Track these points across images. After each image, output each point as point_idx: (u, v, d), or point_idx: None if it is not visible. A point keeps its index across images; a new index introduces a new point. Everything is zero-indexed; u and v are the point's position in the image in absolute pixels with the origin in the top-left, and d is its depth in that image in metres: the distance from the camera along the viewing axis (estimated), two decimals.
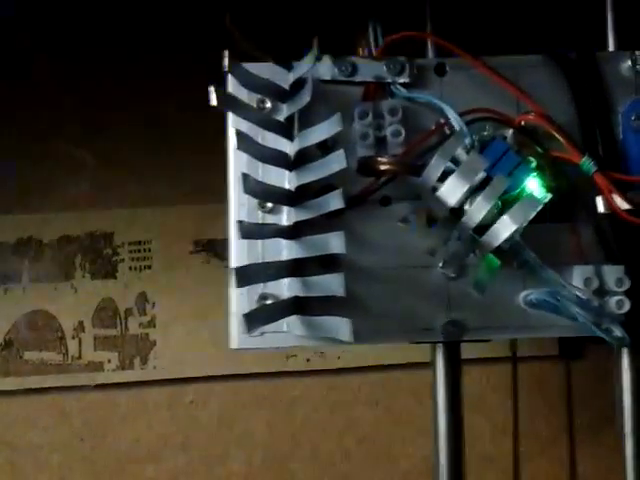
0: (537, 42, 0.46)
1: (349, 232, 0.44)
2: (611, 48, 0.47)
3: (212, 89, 0.35)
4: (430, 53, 0.47)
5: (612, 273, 0.42)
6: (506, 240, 0.40)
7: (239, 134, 0.34)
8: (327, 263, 0.42)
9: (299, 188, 0.40)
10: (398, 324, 0.44)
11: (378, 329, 0.44)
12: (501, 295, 0.43)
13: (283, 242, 0.42)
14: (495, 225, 0.37)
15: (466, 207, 0.39)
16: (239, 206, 0.43)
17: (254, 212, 0.43)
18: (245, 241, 0.43)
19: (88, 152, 0.68)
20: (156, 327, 0.67)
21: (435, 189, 0.38)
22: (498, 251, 0.40)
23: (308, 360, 0.67)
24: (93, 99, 0.68)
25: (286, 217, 0.42)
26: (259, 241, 0.43)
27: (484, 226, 0.39)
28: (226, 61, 0.35)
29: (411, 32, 0.44)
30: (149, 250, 0.67)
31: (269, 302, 0.42)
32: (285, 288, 0.42)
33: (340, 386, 0.67)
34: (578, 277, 0.42)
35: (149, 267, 0.67)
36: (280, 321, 0.41)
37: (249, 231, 0.35)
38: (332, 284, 0.37)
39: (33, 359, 0.67)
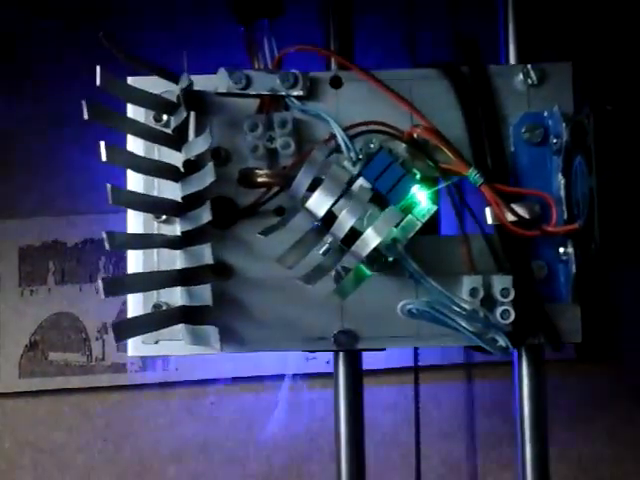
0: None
1: (244, 242, 0.44)
2: (512, 61, 0.48)
3: (84, 102, 0.35)
4: (332, 66, 0.48)
5: (499, 283, 0.42)
6: (390, 251, 0.40)
7: (106, 146, 0.34)
8: (220, 272, 0.43)
9: (184, 199, 0.40)
10: (293, 332, 0.44)
11: (273, 337, 0.44)
12: (393, 305, 0.44)
13: (177, 252, 0.43)
14: (362, 237, 0.37)
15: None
16: (135, 217, 0.44)
17: (150, 222, 0.44)
18: (141, 250, 0.44)
19: None
20: None
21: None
22: (385, 262, 0.41)
23: (327, 362, 0.68)
24: None
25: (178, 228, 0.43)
26: (154, 250, 0.44)
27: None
28: (98, 77, 0.36)
29: (305, 45, 0.44)
30: None
31: (163, 309, 0.43)
32: (178, 297, 0.43)
33: None
34: (466, 287, 0.42)
35: None
36: (175, 329, 0.42)
37: (120, 242, 0.35)
38: (202, 294, 0.38)
39: (58, 360, 0.69)
